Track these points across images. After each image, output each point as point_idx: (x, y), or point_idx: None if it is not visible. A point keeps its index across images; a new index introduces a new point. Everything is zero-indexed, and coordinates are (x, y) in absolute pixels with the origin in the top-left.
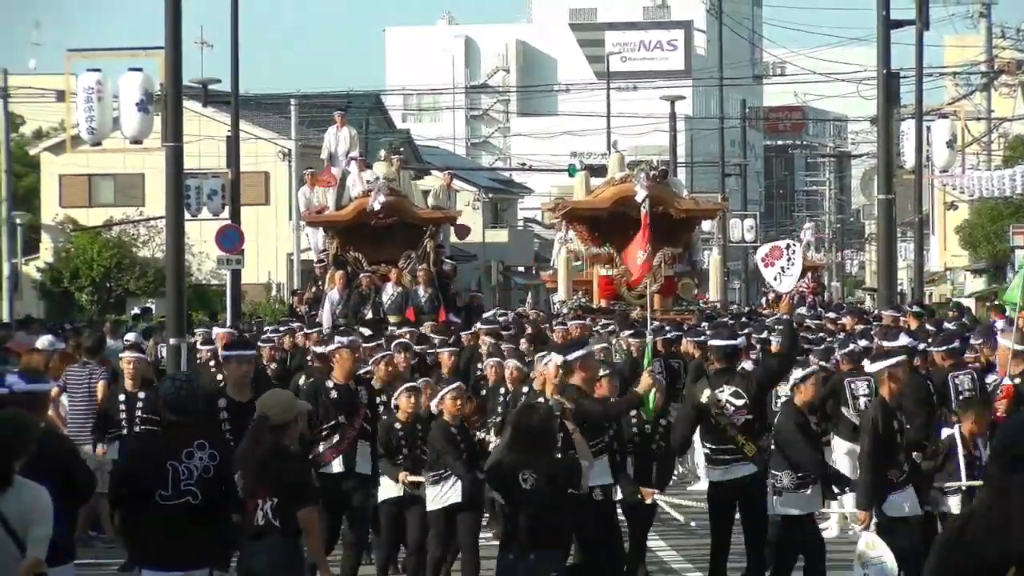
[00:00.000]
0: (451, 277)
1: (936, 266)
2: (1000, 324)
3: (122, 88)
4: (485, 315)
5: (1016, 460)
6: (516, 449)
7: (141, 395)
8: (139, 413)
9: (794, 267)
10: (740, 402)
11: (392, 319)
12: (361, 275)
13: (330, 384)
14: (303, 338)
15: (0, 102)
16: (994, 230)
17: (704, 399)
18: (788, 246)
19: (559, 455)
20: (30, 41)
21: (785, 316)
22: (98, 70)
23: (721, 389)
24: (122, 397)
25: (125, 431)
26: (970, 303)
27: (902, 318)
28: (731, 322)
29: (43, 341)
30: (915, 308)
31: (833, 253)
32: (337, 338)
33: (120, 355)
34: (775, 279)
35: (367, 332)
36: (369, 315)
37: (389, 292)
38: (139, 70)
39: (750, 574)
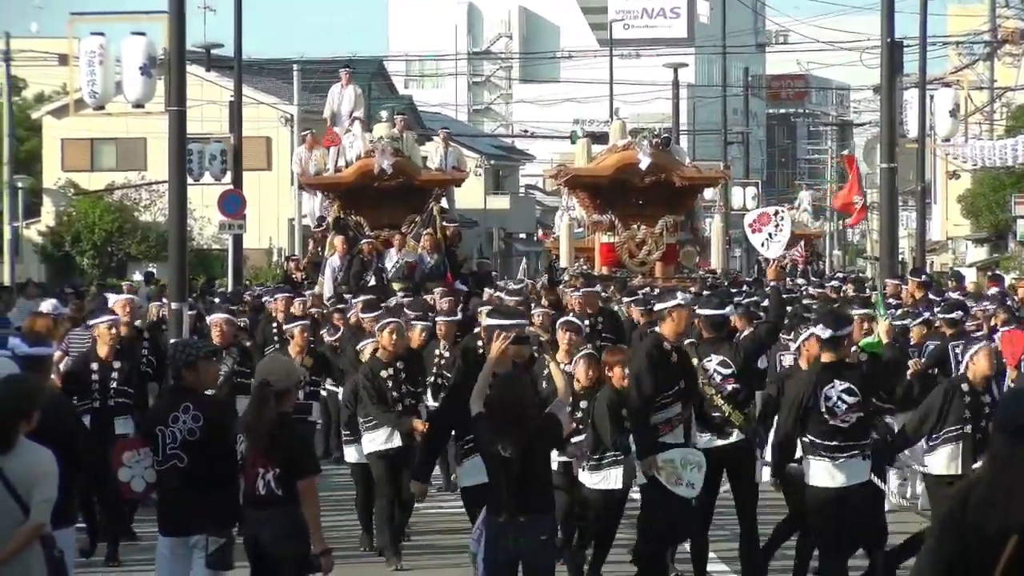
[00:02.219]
0: (457, 243)
1: (938, 235)
2: (993, 292)
3: (125, 52)
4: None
5: (1021, 431)
6: (494, 421)
7: (116, 364)
8: (113, 384)
9: (782, 233)
10: (727, 371)
11: (396, 286)
12: (363, 241)
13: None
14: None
15: (2, 65)
16: (996, 200)
17: None
18: (776, 212)
19: (537, 419)
20: (33, 4)
21: (772, 284)
22: (101, 34)
23: (709, 358)
24: (95, 366)
25: (98, 404)
26: (971, 272)
27: (905, 287)
28: (733, 290)
29: (47, 305)
30: (921, 277)
31: (834, 222)
32: None
33: (91, 321)
34: (762, 245)
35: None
36: (372, 282)
37: (393, 258)
38: (142, 34)
39: (744, 543)
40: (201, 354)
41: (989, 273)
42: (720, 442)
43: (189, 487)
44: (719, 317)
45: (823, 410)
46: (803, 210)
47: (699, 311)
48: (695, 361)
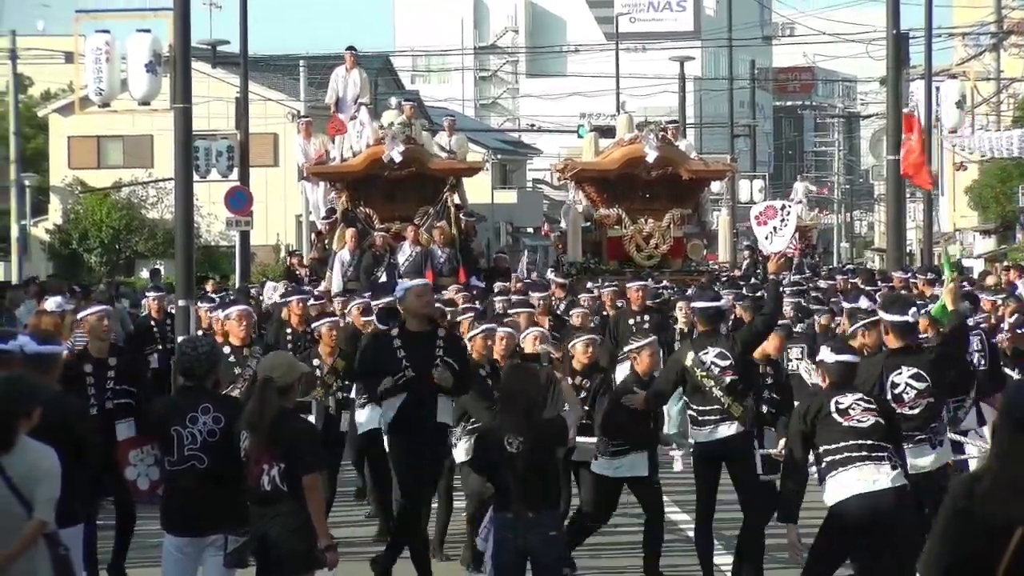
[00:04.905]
0: (472, 235)
1: (945, 227)
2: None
3: (130, 49)
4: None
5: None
6: (503, 411)
7: (112, 362)
8: (110, 384)
9: (787, 227)
10: (725, 363)
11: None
12: (375, 234)
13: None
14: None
15: (9, 63)
16: (1003, 191)
17: (688, 362)
18: (783, 206)
19: (545, 416)
20: (38, 2)
21: (772, 276)
22: (107, 31)
23: (706, 351)
24: (88, 368)
25: (95, 407)
26: (979, 264)
27: (914, 281)
28: (741, 283)
29: (52, 303)
30: (928, 275)
31: (842, 214)
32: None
33: (80, 314)
34: (766, 238)
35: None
36: (383, 278)
37: (407, 252)
38: (147, 31)
39: (746, 532)
40: (220, 356)
41: (1001, 265)
42: (719, 435)
43: (207, 487)
44: (712, 310)
45: (889, 398)
46: (798, 201)
47: (693, 304)
48: (691, 354)
